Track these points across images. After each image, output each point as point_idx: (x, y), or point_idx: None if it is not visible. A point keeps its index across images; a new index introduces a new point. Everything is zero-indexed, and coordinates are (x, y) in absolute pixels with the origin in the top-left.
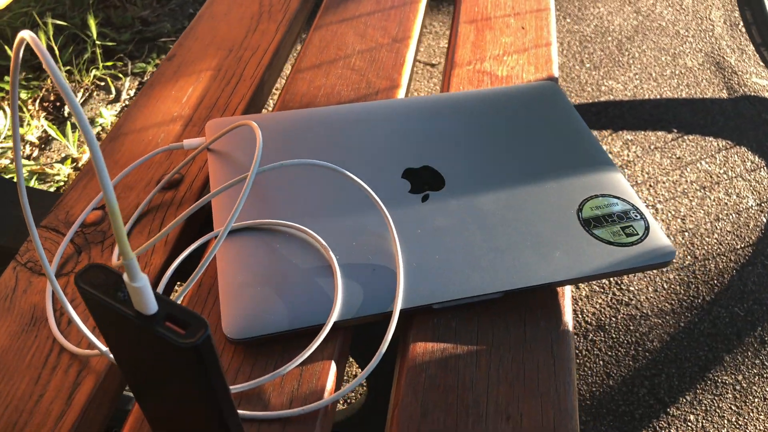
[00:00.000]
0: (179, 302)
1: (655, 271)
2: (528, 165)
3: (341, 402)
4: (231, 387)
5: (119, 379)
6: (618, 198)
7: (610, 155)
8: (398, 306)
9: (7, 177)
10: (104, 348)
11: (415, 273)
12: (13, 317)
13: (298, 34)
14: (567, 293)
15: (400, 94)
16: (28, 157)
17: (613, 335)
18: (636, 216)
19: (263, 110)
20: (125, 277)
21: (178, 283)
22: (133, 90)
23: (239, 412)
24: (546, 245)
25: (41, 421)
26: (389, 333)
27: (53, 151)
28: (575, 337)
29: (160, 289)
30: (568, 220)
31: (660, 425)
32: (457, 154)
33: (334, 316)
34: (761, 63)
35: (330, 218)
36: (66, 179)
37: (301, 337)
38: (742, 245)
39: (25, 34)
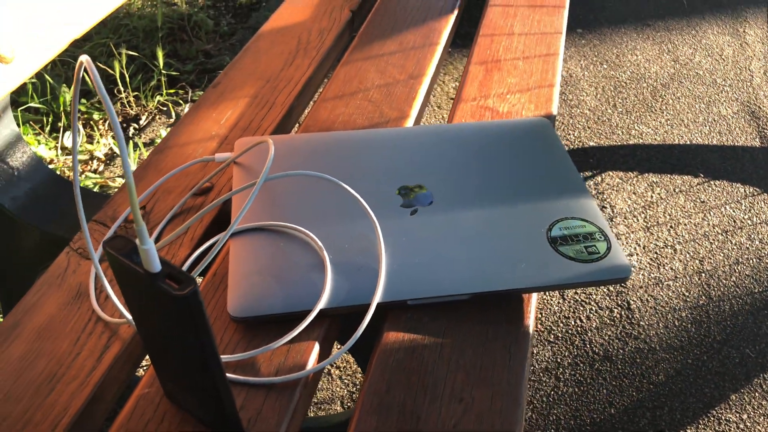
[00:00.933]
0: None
1: (667, 307)
2: (510, 189)
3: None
4: (228, 356)
5: (141, 346)
6: (586, 221)
7: (633, 195)
8: (376, 299)
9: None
10: (130, 317)
11: (395, 273)
12: (62, 291)
13: (329, 68)
14: (533, 302)
15: (408, 124)
16: (95, 171)
17: (619, 366)
18: (600, 238)
19: (291, 133)
20: (137, 241)
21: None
22: None
23: (233, 376)
24: (514, 257)
25: (75, 374)
26: (365, 320)
27: (116, 167)
28: (581, 365)
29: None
30: (537, 238)
31: None
32: (449, 176)
33: (321, 304)
34: None
35: (327, 223)
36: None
37: (293, 321)
38: (761, 289)
39: (84, 58)
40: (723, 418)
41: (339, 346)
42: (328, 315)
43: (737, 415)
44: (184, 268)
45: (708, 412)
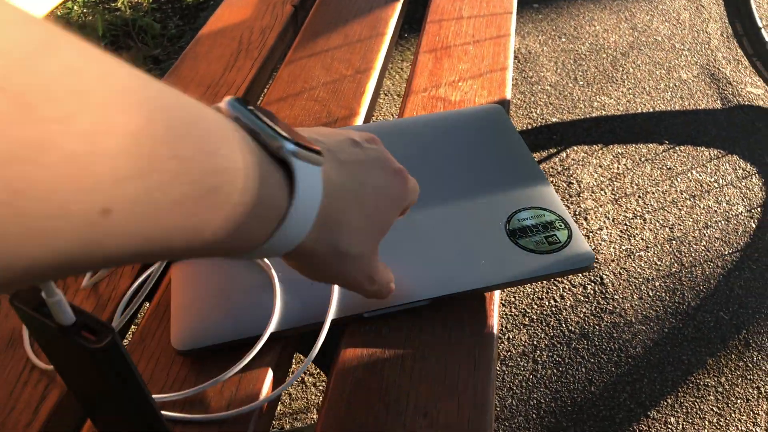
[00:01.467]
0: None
1: (640, 278)
2: (465, 183)
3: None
4: (175, 394)
5: None
6: (545, 210)
7: (600, 168)
8: (330, 315)
9: None
10: None
11: None
12: None
13: (273, 68)
14: (495, 299)
15: (358, 121)
16: None
17: (597, 343)
18: (560, 226)
19: None
20: (43, 294)
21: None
22: None
23: (180, 415)
24: (472, 255)
25: (11, 430)
26: (318, 341)
27: None
28: (558, 345)
29: (120, 309)
30: (496, 232)
31: (640, 428)
32: None
33: (271, 327)
34: (756, 73)
35: None
36: None
37: (244, 347)
38: (730, 251)
39: None
40: (702, 383)
41: (303, 359)
42: (281, 337)
43: (715, 379)
44: (125, 300)
45: (687, 380)
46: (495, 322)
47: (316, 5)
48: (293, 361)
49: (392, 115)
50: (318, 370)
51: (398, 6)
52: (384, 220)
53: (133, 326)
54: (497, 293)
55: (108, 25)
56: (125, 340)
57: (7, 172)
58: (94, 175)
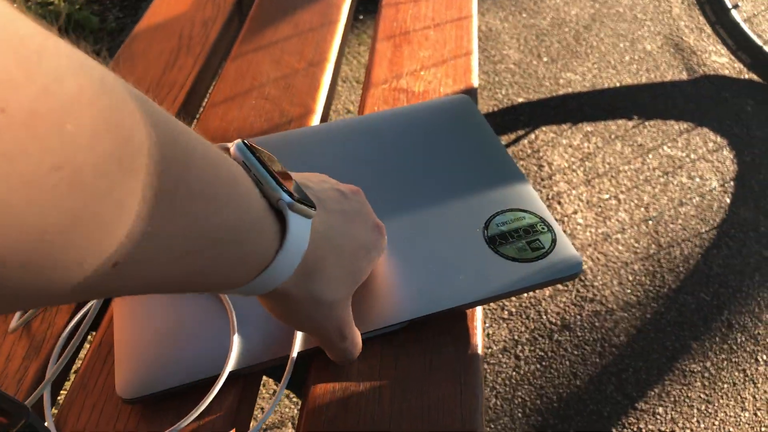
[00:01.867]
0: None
1: (618, 262)
2: (436, 185)
3: None
4: None
5: None
6: (525, 211)
7: (570, 148)
8: (295, 348)
9: None
10: None
11: None
12: None
13: (218, 65)
14: (478, 315)
15: (315, 120)
16: None
17: (579, 333)
18: (543, 228)
19: None
20: None
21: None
22: None
23: None
24: (450, 269)
25: None
26: (284, 380)
27: None
28: (540, 339)
29: (56, 352)
30: (473, 240)
31: (629, 421)
32: (363, 179)
33: (229, 366)
34: (719, 41)
35: None
36: None
37: (201, 390)
38: (707, 228)
39: None
40: (687, 369)
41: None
42: (242, 375)
43: (701, 364)
44: (62, 339)
45: (672, 367)
46: (479, 340)
47: None
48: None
49: (352, 103)
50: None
51: None
52: (359, 270)
53: (74, 366)
54: (479, 310)
55: (42, 20)
56: (65, 386)
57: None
58: (113, 237)
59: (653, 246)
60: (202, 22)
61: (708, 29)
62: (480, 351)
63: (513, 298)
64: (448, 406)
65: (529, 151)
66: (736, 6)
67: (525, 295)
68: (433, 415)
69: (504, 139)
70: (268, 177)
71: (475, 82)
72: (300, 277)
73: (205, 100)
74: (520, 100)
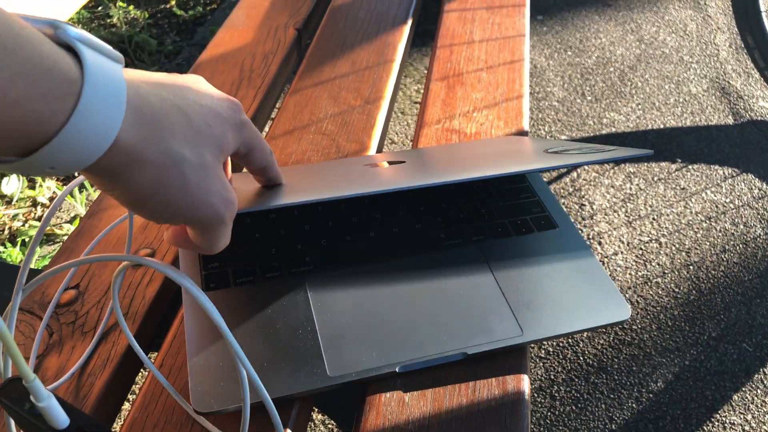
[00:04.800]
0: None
1: (658, 307)
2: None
3: None
4: None
5: None
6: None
7: (612, 189)
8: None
9: (9, 249)
10: None
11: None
12: None
13: (278, 96)
14: (526, 357)
15: (369, 155)
16: (39, 219)
17: (616, 377)
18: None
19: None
20: (32, 398)
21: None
22: None
23: None
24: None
25: None
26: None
27: (63, 212)
28: (576, 380)
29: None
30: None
31: None
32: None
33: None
34: (767, 86)
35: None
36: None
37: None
38: (750, 277)
39: None
40: (728, 421)
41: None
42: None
43: (741, 416)
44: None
45: (711, 417)
46: (526, 387)
47: (321, 29)
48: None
49: (396, 134)
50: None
51: (406, 29)
52: (221, 135)
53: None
54: (527, 353)
55: (104, 41)
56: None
57: None
58: None
59: (694, 292)
60: (262, 56)
61: (756, 74)
62: (527, 397)
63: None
64: None
65: (570, 190)
66: None
67: None
68: None
69: (545, 177)
70: (47, 20)
71: (526, 125)
72: (144, 130)
73: (265, 131)
74: (563, 137)
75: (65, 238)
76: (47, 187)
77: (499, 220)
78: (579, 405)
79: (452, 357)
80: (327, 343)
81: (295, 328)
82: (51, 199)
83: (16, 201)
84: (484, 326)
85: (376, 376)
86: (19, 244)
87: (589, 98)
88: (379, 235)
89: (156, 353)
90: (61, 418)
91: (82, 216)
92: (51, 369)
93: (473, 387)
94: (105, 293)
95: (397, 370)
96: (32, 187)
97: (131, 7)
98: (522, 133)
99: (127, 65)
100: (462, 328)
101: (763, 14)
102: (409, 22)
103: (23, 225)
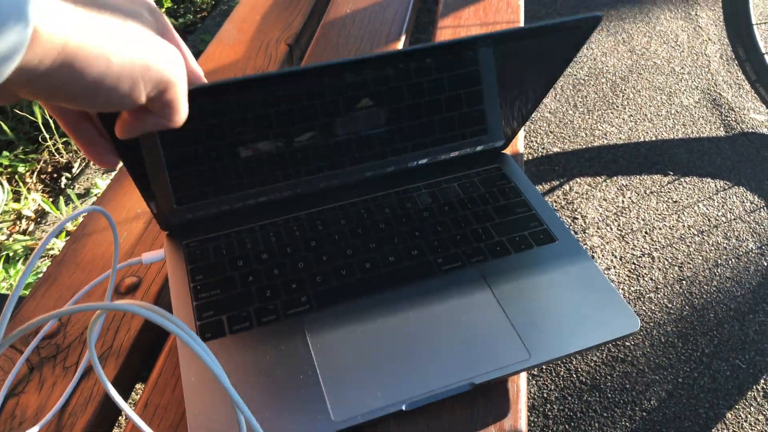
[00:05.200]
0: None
1: (651, 323)
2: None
3: None
4: None
5: None
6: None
7: (604, 202)
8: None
9: None
10: None
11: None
12: None
13: None
14: (522, 396)
15: None
16: (24, 232)
17: (609, 395)
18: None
19: None
20: None
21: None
22: None
23: None
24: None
25: None
26: None
27: (49, 224)
28: (569, 398)
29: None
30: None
31: None
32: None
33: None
34: (758, 99)
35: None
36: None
37: None
38: (743, 292)
39: None
40: None
41: None
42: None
43: None
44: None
45: None
46: (523, 422)
47: (313, 45)
48: None
49: None
50: None
51: (399, 46)
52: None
53: None
54: (524, 388)
55: None
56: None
57: None
58: None
59: (687, 308)
60: (253, 71)
61: (746, 85)
62: (524, 429)
63: (526, 401)
64: None
65: (563, 203)
66: None
67: None
68: None
69: (538, 188)
70: None
71: (521, 147)
72: None
73: None
74: (556, 149)
75: (51, 252)
76: (32, 199)
77: (497, 238)
78: (572, 424)
79: (459, 389)
80: (329, 386)
81: (295, 374)
82: (36, 211)
83: (0, 214)
84: (490, 352)
85: (381, 417)
86: (2, 260)
87: (581, 109)
88: (375, 265)
89: (143, 384)
90: None
91: (69, 229)
92: (31, 407)
93: (470, 418)
94: (86, 327)
95: (403, 408)
96: (17, 200)
97: None
98: (516, 155)
99: None
100: (467, 357)
101: (755, 27)
102: (402, 38)
103: (8, 239)
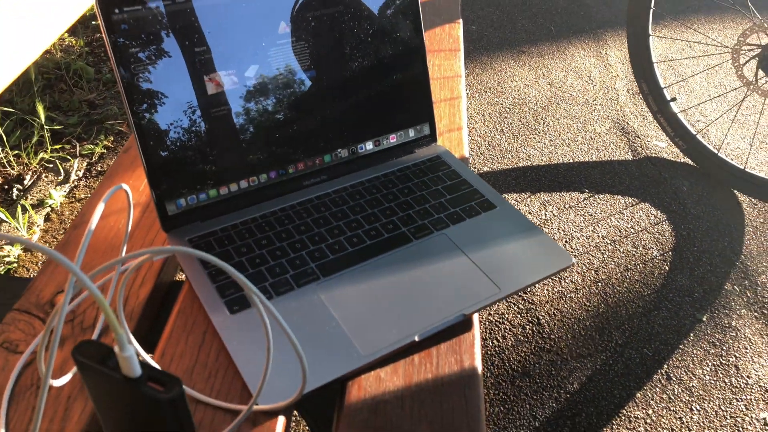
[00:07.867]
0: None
1: (572, 318)
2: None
3: None
4: None
5: None
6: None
7: (529, 215)
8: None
9: None
10: None
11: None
12: None
13: None
14: (477, 345)
15: None
16: None
17: (537, 380)
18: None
19: None
20: (116, 349)
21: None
22: (82, 171)
23: None
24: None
25: None
26: None
27: (3, 230)
28: (503, 383)
29: None
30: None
31: None
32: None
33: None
34: (660, 128)
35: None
36: (16, 260)
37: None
38: (649, 292)
39: None
40: (632, 415)
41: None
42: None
43: (644, 411)
44: None
45: (619, 413)
46: (478, 363)
47: None
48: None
49: None
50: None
51: None
52: None
53: None
54: (478, 337)
55: (40, 68)
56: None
57: None
58: None
59: (602, 305)
60: None
61: (650, 116)
62: (479, 371)
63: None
64: (456, 416)
65: None
66: (674, 99)
67: (490, 344)
68: (446, 421)
69: None
70: None
71: (467, 152)
72: None
73: None
74: (486, 169)
75: (7, 259)
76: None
77: (451, 209)
78: (506, 406)
79: (455, 319)
80: (353, 331)
81: (322, 327)
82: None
83: None
84: (470, 291)
85: (401, 348)
86: None
87: (507, 134)
88: (361, 239)
89: (150, 355)
90: (137, 368)
91: (24, 237)
92: (55, 364)
93: (436, 363)
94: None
95: (416, 338)
96: None
97: (65, 34)
98: (464, 159)
99: (64, 92)
100: (454, 297)
101: (655, 65)
102: None
103: None
